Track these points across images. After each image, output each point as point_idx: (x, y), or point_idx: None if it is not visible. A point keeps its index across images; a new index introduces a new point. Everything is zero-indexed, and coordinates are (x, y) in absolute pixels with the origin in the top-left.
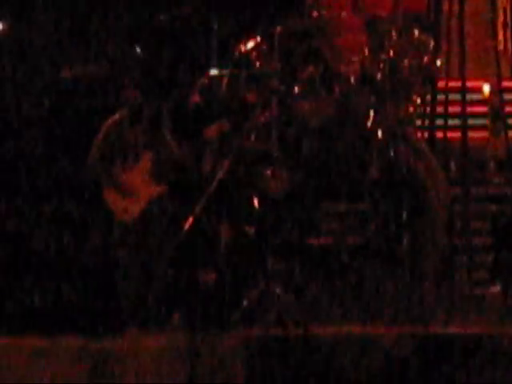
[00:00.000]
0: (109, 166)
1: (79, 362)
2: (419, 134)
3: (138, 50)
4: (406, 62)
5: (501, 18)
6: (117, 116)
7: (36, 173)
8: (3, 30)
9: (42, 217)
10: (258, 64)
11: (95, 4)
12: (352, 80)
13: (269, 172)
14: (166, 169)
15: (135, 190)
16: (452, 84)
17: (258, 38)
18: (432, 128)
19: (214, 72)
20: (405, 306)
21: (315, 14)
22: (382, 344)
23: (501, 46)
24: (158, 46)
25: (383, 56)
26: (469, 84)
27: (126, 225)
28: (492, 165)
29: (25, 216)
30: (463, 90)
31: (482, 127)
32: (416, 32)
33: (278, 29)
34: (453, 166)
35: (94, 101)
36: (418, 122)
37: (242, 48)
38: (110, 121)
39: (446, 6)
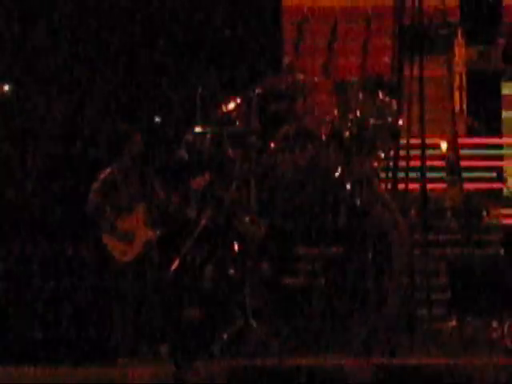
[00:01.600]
0: (106, 214)
1: None
2: (383, 186)
3: (157, 119)
4: (371, 121)
5: (457, 82)
6: (111, 168)
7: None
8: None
9: (48, 257)
10: (238, 122)
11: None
12: (323, 137)
13: (247, 218)
14: (157, 216)
15: (131, 235)
16: (413, 141)
17: (238, 99)
18: (395, 180)
19: (198, 129)
20: (371, 339)
21: (290, 77)
22: (352, 373)
23: (457, 107)
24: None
25: (351, 116)
26: (428, 141)
27: (123, 265)
28: (449, 213)
29: (34, 255)
30: (423, 147)
31: (440, 179)
32: (380, 94)
33: (256, 90)
34: (413, 213)
35: (94, 152)
36: (383, 175)
37: (224, 108)
38: (105, 172)
39: (407, 71)
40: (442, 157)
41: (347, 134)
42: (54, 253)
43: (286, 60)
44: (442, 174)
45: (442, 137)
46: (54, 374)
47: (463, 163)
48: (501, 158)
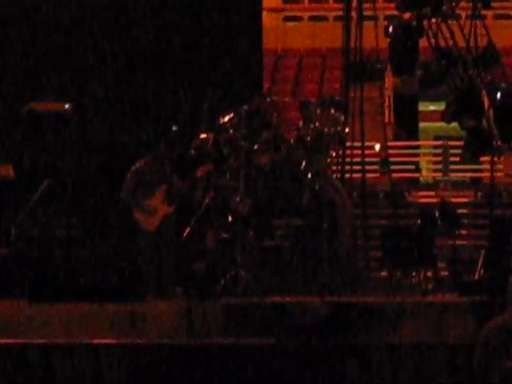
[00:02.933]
0: (138, 195)
1: (114, 321)
2: (334, 175)
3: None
4: (326, 129)
5: (386, 102)
6: (143, 161)
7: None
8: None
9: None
10: (231, 130)
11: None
12: (292, 141)
13: (237, 198)
14: (174, 196)
15: (154, 211)
16: (355, 144)
17: (232, 113)
18: (342, 171)
19: (203, 135)
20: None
21: (269, 98)
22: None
23: (386, 119)
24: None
25: (311, 126)
26: (366, 143)
27: (149, 233)
28: (381, 195)
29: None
30: (362, 147)
31: (374, 171)
32: (332, 110)
33: (244, 107)
34: (355, 195)
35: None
36: (334, 168)
37: (221, 120)
38: (137, 165)
39: (351, 93)
40: (376, 155)
41: (309, 138)
42: (102, 222)
43: (266, 86)
44: (376, 167)
45: (376, 140)
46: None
47: (391, 159)
48: (417, 155)
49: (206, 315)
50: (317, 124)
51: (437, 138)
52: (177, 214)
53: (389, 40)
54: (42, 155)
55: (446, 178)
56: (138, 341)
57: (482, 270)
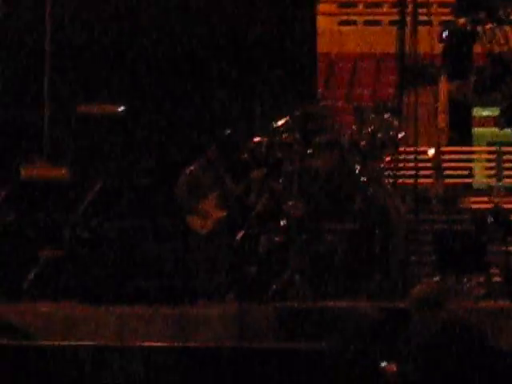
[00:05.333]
0: (191, 199)
1: (166, 324)
2: (387, 180)
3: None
4: (379, 134)
5: (440, 107)
6: (194, 166)
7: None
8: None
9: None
10: (285, 134)
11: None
12: (346, 146)
13: (291, 202)
14: (227, 200)
15: (208, 214)
16: (409, 149)
17: (286, 118)
18: (395, 176)
19: (257, 138)
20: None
21: (323, 102)
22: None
23: (440, 125)
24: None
25: (365, 130)
26: (419, 149)
27: (202, 236)
28: (434, 200)
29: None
30: (415, 152)
31: (428, 176)
32: (386, 115)
33: (298, 111)
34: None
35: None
36: (387, 173)
37: (275, 124)
38: (190, 169)
39: (406, 98)
40: (429, 160)
41: (362, 143)
42: (155, 226)
43: (320, 90)
44: (430, 173)
45: (429, 146)
46: (152, 312)
47: (444, 165)
48: (471, 161)
49: (258, 319)
50: (371, 129)
51: (490, 144)
52: (230, 218)
53: (443, 45)
54: (95, 157)
55: (499, 184)
56: (189, 344)
57: None
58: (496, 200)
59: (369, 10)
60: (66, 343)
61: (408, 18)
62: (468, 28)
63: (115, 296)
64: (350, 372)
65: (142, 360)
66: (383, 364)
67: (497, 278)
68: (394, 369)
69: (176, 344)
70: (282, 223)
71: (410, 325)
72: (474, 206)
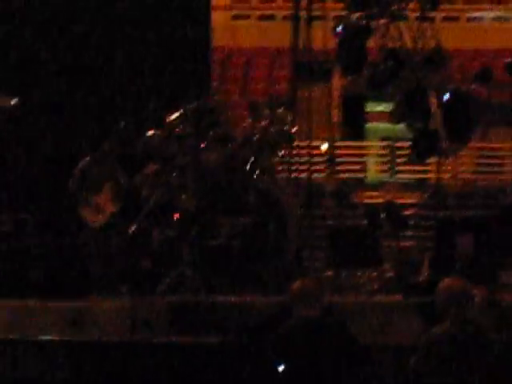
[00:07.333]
0: (85, 192)
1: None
2: (281, 175)
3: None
4: (272, 128)
5: (334, 102)
6: (90, 157)
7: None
8: None
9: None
10: (178, 128)
11: None
12: (239, 140)
13: (184, 196)
14: (120, 194)
15: (101, 207)
16: (302, 143)
17: (179, 112)
18: (289, 170)
19: (150, 132)
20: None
21: (217, 96)
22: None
23: (334, 119)
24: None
25: (258, 125)
26: (313, 143)
27: (95, 229)
28: (327, 194)
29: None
30: (309, 147)
31: (321, 170)
32: (279, 110)
33: (192, 105)
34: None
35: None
36: (281, 167)
37: (169, 118)
38: (83, 163)
39: (300, 93)
40: (323, 155)
41: (256, 137)
42: (48, 218)
43: (214, 84)
44: (323, 167)
45: (323, 140)
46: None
47: (338, 159)
48: (364, 156)
49: (151, 313)
50: (264, 123)
51: (383, 139)
52: (123, 212)
53: (337, 40)
54: None
55: (392, 179)
56: (82, 338)
57: (427, 272)
58: (388, 195)
59: (263, 5)
60: None
61: (302, 13)
62: (362, 23)
63: (6, 289)
64: (241, 365)
65: (33, 354)
66: None
67: (389, 273)
68: None
69: (67, 338)
70: (175, 217)
71: (291, 319)
72: (367, 201)
